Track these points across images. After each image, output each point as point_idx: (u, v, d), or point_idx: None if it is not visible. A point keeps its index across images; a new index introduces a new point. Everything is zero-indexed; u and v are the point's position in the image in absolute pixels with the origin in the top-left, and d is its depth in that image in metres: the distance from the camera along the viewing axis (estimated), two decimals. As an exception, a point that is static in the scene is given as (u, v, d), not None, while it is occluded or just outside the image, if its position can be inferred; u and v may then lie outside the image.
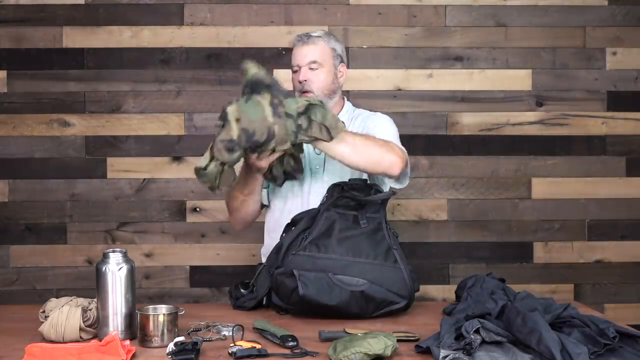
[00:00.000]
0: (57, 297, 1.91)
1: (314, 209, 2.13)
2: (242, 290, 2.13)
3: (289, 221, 2.16)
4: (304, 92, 2.30)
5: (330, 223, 2.05)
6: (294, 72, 2.34)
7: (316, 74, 2.31)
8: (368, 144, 2.13)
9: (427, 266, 3.04)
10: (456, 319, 1.74)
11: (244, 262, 3.04)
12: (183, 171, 3.06)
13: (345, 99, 2.46)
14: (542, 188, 3.12)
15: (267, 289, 2.09)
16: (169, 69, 3.06)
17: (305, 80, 2.29)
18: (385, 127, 2.35)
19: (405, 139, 2.41)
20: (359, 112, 2.45)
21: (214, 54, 3.06)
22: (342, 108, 2.42)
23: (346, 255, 2.00)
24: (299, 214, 2.15)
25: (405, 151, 2.23)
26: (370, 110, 2.47)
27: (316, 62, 2.31)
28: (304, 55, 2.32)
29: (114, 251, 1.81)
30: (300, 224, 2.09)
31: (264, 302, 2.13)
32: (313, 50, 2.32)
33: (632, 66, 3.12)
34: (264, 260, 2.43)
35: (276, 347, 1.70)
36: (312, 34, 2.35)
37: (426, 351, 1.64)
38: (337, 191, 2.11)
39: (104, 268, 1.78)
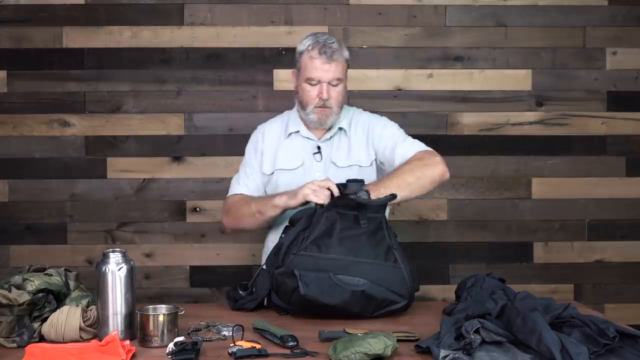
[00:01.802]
0: (57, 297, 1.91)
1: (310, 207, 2.14)
2: (240, 292, 2.13)
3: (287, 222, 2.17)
4: (322, 107, 2.30)
5: (330, 223, 2.05)
6: (312, 84, 2.31)
7: (336, 89, 2.31)
8: (413, 177, 2.21)
9: (427, 266, 3.04)
10: (456, 319, 1.74)
11: (244, 262, 3.04)
12: (183, 171, 3.06)
13: None
14: (542, 188, 3.12)
15: (267, 289, 2.09)
16: (169, 69, 3.06)
17: (327, 99, 2.30)
18: (394, 128, 2.41)
19: (405, 139, 2.45)
20: (352, 113, 2.45)
21: (214, 54, 3.06)
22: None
23: (347, 255, 2.00)
24: (297, 212, 2.15)
25: (428, 147, 2.34)
26: (362, 109, 2.50)
27: (339, 78, 2.31)
28: (327, 71, 2.29)
29: (114, 251, 1.81)
30: (299, 224, 2.09)
31: (265, 303, 2.12)
32: (336, 66, 2.30)
33: (632, 66, 3.12)
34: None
35: (276, 347, 1.70)
36: (332, 46, 2.30)
37: (426, 351, 1.64)
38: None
39: (104, 268, 1.78)
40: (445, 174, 2.28)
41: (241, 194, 2.41)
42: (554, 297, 2.08)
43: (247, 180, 2.43)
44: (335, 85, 2.31)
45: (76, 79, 3.04)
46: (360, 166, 2.37)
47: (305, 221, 2.09)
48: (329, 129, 2.39)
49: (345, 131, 2.40)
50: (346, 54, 2.35)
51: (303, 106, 2.35)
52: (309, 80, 2.31)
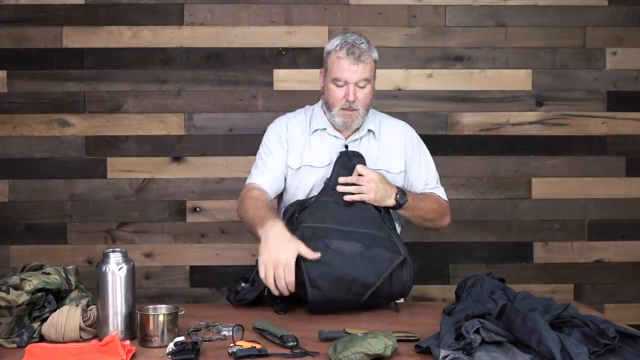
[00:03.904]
0: (57, 297, 1.91)
1: (307, 199, 2.23)
2: (242, 284, 2.14)
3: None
4: (349, 109, 2.28)
5: (323, 204, 2.13)
6: (339, 86, 2.27)
7: (363, 91, 2.28)
8: (427, 213, 2.33)
9: (427, 266, 3.04)
10: (456, 319, 1.74)
11: (244, 262, 3.04)
12: (183, 171, 3.06)
13: None
14: (542, 188, 3.12)
15: None
16: (169, 69, 3.06)
17: (354, 100, 2.26)
18: (432, 171, 2.46)
19: (405, 139, 2.46)
20: (380, 119, 2.45)
21: (214, 54, 3.06)
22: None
23: (340, 226, 2.07)
24: (292, 203, 2.22)
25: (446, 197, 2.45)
26: (384, 112, 2.52)
27: (366, 79, 2.28)
28: (354, 72, 2.25)
29: (114, 251, 1.81)
30: (291, 210, 2.18)
31: (265, 293, 2.12)
32: (363, 68, 2.26)
33: (632, 66, 3.12)
34: None
35: (276, 347, 1.70)
36: (360, 46, 2.26)
37: (426, 351, 1.64)
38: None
39: (104, 268, 1.78)
40: (444, 227, 2.47)
41: (253, 183, 2.33)
42: (554, 297, 2.08)
43: (264, 170, 2.36)
44: (363, 87, 2.27)
45: (76, 79, 3.04)
46: (389, 172, 2.35)
47: (297, 206, 2.20)
48: (357, 129, 2.37)
49: (374, 134, 2.39)
50: (375, 54, 2.31)
51: (329, 107, 2.32)
52: (335, 81, 2.27)
